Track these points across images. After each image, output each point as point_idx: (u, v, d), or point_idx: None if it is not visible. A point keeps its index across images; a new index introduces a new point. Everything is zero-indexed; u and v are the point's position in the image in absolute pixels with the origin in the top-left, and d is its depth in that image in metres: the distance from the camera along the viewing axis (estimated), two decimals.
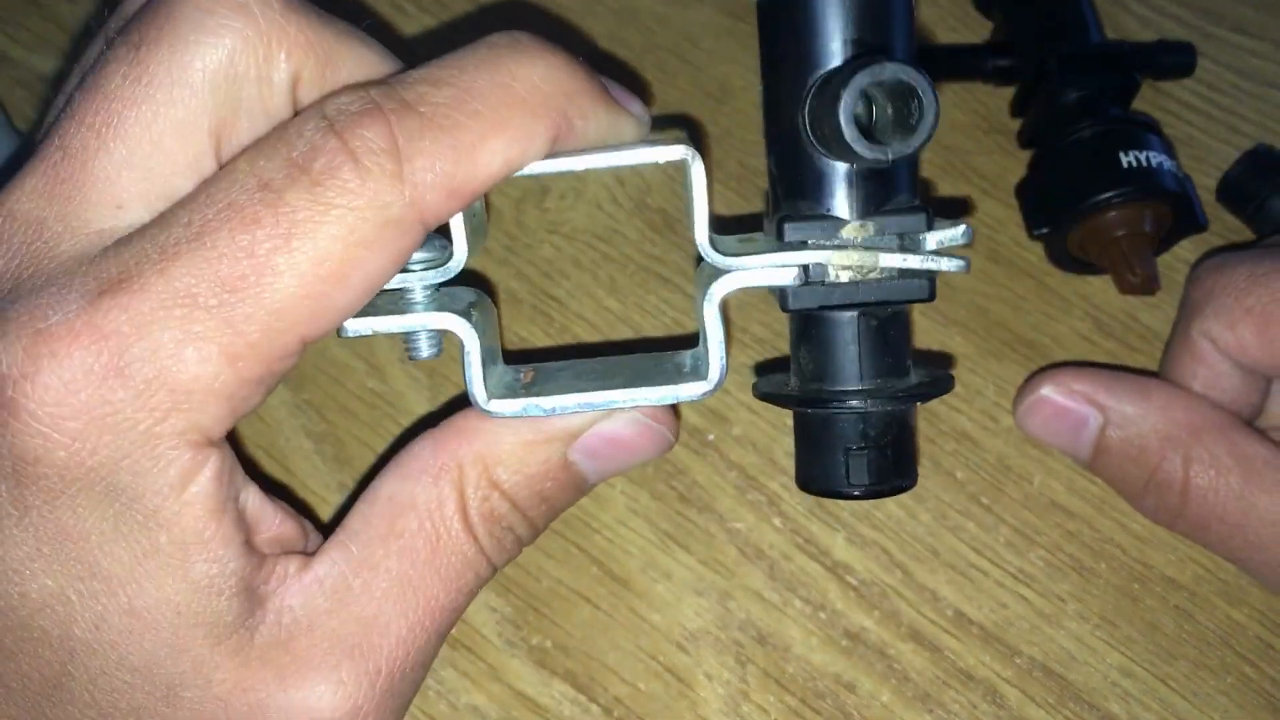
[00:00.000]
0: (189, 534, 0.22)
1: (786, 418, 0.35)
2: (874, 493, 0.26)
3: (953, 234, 0.25)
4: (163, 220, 0.21)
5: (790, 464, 0.34)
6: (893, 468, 0.26)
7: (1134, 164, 0.35)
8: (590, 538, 0.33)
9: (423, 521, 0.24)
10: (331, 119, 0.21)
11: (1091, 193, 0.35)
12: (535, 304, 0.37)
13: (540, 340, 0.36)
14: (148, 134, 0.22)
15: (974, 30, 0.43)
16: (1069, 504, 0.34)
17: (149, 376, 0.21)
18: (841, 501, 0.34)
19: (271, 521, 0.24)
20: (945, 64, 0.41)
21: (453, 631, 0.32)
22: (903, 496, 0.34)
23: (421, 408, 0.35)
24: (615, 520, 0.34)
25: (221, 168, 0.22)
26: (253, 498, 0.24)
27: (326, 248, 0.21)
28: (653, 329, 0.37)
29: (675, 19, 0.44)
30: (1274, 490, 0.28)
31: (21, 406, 0.20)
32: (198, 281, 0.20)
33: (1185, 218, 0.36)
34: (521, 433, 0.25)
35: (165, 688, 0.22)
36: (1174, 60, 0.41)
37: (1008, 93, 0.41)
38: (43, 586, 0.22)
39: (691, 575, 0.33)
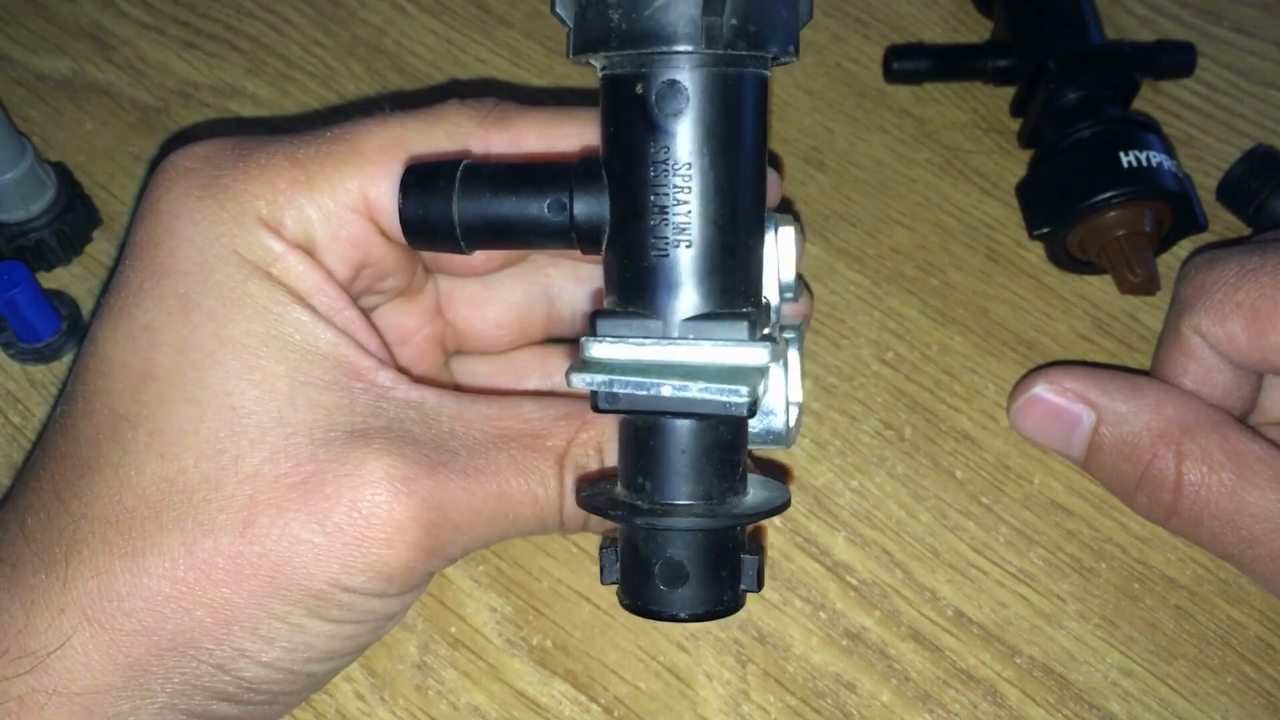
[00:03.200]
0: (284, 293, 0.25)
1: None
2: (692, 617, 0.24)
3: (756, 353, 0.22)
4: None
5: (790, 464, 0.34)
6: (707, 594, 0.23)
7: (1134, 164, 0.35)
8: (591, 537, 0.33)
9: (531, 434, 0.26)
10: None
11: (1091, 193, 0.35)
12: None
13: None
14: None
15: (974, 30, 0.43)
16: (1069, 504, 0.34)
17: (247, 169, 0.26)
18: (832, 507, 0.34)
19: (374, 343, 0.26)
20: (945, 64, 0.41)
21: (453, 631, 0.32)
22: (903, 496, 0.34)
23: None
24: None
25: None
26: (366, 325, 0.26)
27: (399, 134, 0.26)
28: None
29: None
30: (1266, 486, 0.28)
31: (167, 173, 0.26)
32: (324, 133, 0.27)
33: (1185, 218, 0.36)
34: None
35: (228, 413, 0.24)
36: (1174, 60, 0.41)
37: (1008, 93, 0.41)
38: (141, 317, 0.25)
39: None
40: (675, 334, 0.22)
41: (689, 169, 0.22)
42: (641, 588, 0.23)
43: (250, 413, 0.24)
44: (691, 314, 0.23)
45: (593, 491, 0.25)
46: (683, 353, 0.22)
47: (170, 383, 0.24)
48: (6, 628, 0.23)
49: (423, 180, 0.24)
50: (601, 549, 0.26)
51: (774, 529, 0.34)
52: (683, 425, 0.23)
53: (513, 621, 0.32)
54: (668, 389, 0.22)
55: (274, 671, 0.25)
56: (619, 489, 0.24)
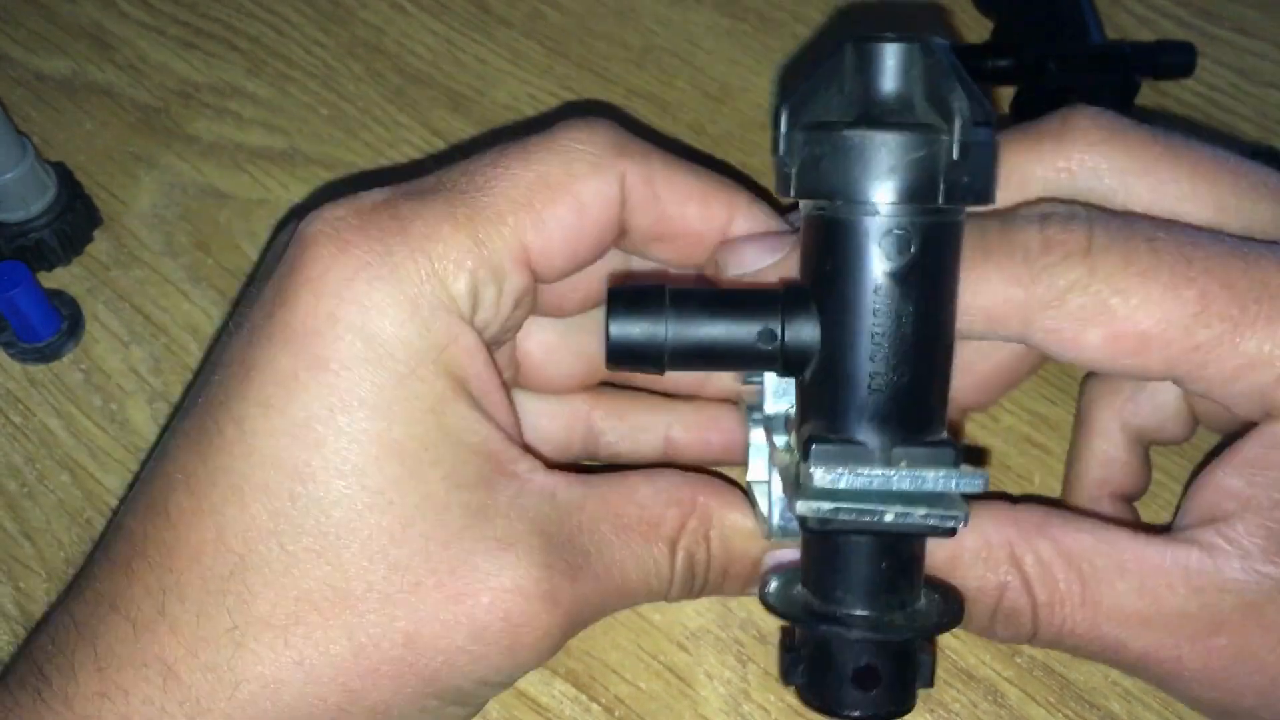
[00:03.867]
0: (448, 386, 0.24)
1: None
2: (875, 718, 0.25)
3: (972, 483, 0.24)
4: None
5: None
6: (894, 696, 0.25)
7: None
8: None
9: (646, 521, 0.27)
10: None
11: None
12: None
13: None
14: None
15: (974, 30, 0.44)
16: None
17: (416, 238, 0.24)
18: None
19: (511, 423, 0.26)
20: None
21: None
22: None
23: None
24: None
25: None
26: (507, 401, 0.26)
27: (553, 173, 0.26)
28: None
29: (676, 20, 0.44)
30: (1115, 580, 0.26)
31: (318, 243, 0.24)
32: (455, 183, 0.25)
33: None
34: (747, 511, 0.28)
35: (395, 522, 0.24)
36: (1174, 60, 0.41)
37: (1008, 93, 0.41)
38: (295, 412, 0.24)
39: None
40: (888, 462, 0.24)
41: (907, 311, 0.24)
42: (834, 691, 0.25)
43: (411, 522, 0.24)
44: (899, 442, 0.24)
45: (782, 593, 0.27)
46: (903, 482, 0.24)
47: (333, 486, 0.24)
48: None
49: (632, 304, 0.25)
50: (783, 650, 0.27)
51: None
52: (883, 543, 0.25)
53: None
54: (891, 515, 0.23)
55: None
56: (806, 595, 0.26)
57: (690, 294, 0.25)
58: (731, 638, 0.32)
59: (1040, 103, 0.38)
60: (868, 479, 0.24)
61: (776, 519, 0.27)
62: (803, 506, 0.24)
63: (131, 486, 0.28)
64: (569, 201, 0.26)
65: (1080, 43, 0.39)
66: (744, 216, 0.28)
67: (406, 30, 0.43)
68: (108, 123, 0.41)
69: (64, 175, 0.38)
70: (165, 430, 0.26)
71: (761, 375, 0.27)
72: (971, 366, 0.30)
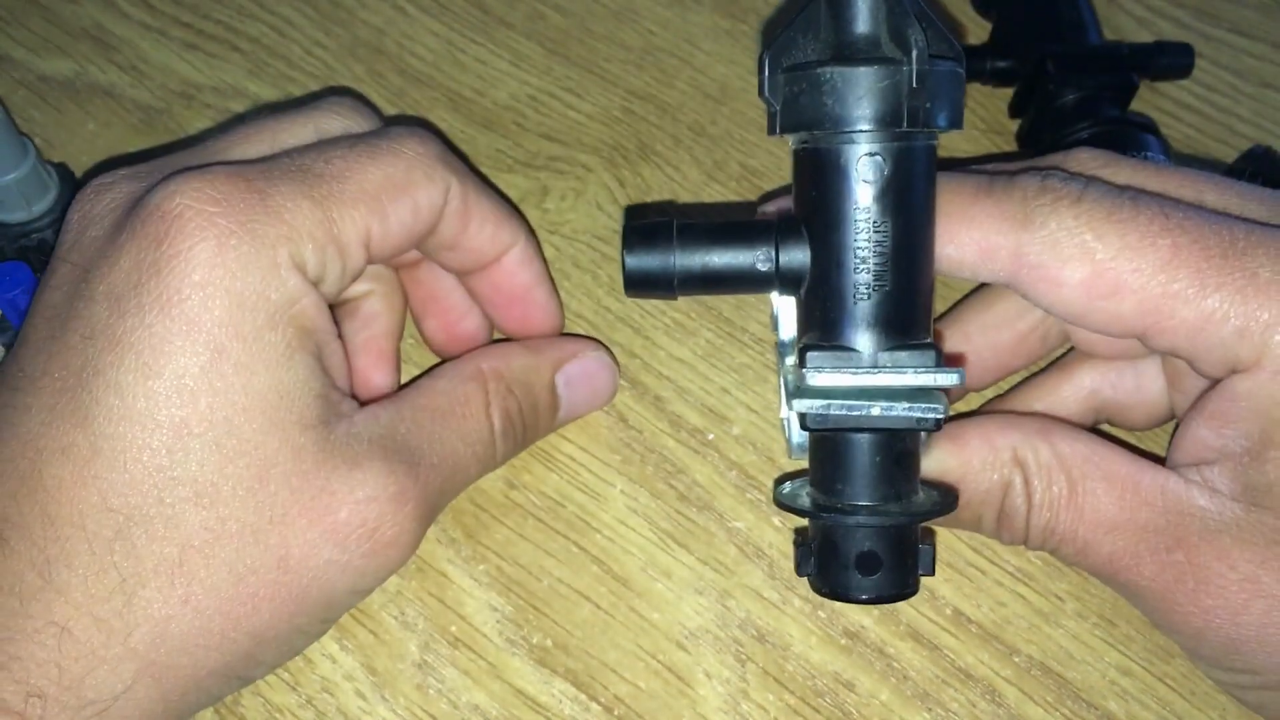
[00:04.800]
0: (296, 337, 0.27)
1: None
2: (879, 599, 0.28)
3: (949, 377, 0.26)
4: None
5: (790, 464, 0.35)
6: (896, 579, 0.28)
7: None
8: (590, 537, 0.34)
9: (455, 404, 0.30)
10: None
11: None
12: None
13: None
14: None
15: (974, 31, 0.44)
16: None
17: (272, 208, 0.27)
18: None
19: (342, 373, 0.29)
20: None
21: (454, 630, 0.32)
22: None
23: None
24: (615, 519, 0.34)
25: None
26: (341, 352, 0.29)
27: (401, 174, 0.29)
28: (653, 329, 0.37)
29: (675, 21, 0.44)
30: (1099, 491, 0.28)
31: (184, 217, 0.26)
32: (310, 166, 0.28)
33: None
34: (525, 355, 0.33)
35: (260, 464, 0.26)
36: (1172, 61, 0.41)
37: (1006, 93, 0.41)
38: (173, 370, 0.25)
39: (691, 574, 0.33)
40: (875, 364, 0.27)
41: (885, 226, 0.27)
42: (839, 576, 0.28)
43: (275, 462, 0.26)
44: (886, 346, 0.27)
45: (791, 492, 0.29)
46: (887, 379, 0.26)
47: (206, 438, 0.26)
48: (63, 680, 0.25)
49: (645, 238, 0.29)
50: (795, 545, 0.30)
51: (773, 529, 0.34)
52: (877, 439, 0.27)
53: (513, 621, 0.32)
54: (877, 409, 0.26)
55: (276, 668, 0.29)
56: (813, 492, 0.28)
57: (695, 227, 0.29)
58: (730, 637, 0.32)
59: (1038, 103, 0.38)
60: (855, 376, 0.27)
61: (795, 438, 0.30)
62: (799, 405, 0.27)
63: None
64: (408, 203, 0.29)
65: (1078, 44, 0.39)
66: (522, 248, 0.32)
67: (407, 31, 0.43)
68: (110, 124, 0.41)
69: (66, 176, 0.38)
70: None
71: (778, 314, 0.30)
72: (975, 349, 0.33)
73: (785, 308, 0.30)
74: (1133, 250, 0.27)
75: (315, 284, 0.27)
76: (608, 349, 0.35)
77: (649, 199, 0.39)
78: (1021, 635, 0.32)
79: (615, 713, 0.31)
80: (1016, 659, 0.32)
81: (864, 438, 0.27)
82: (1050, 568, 0.33)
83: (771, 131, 0.28)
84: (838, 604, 0.32)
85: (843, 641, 0.32)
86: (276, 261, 0.26)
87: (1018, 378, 0.35)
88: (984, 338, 0.33)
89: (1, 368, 0.28)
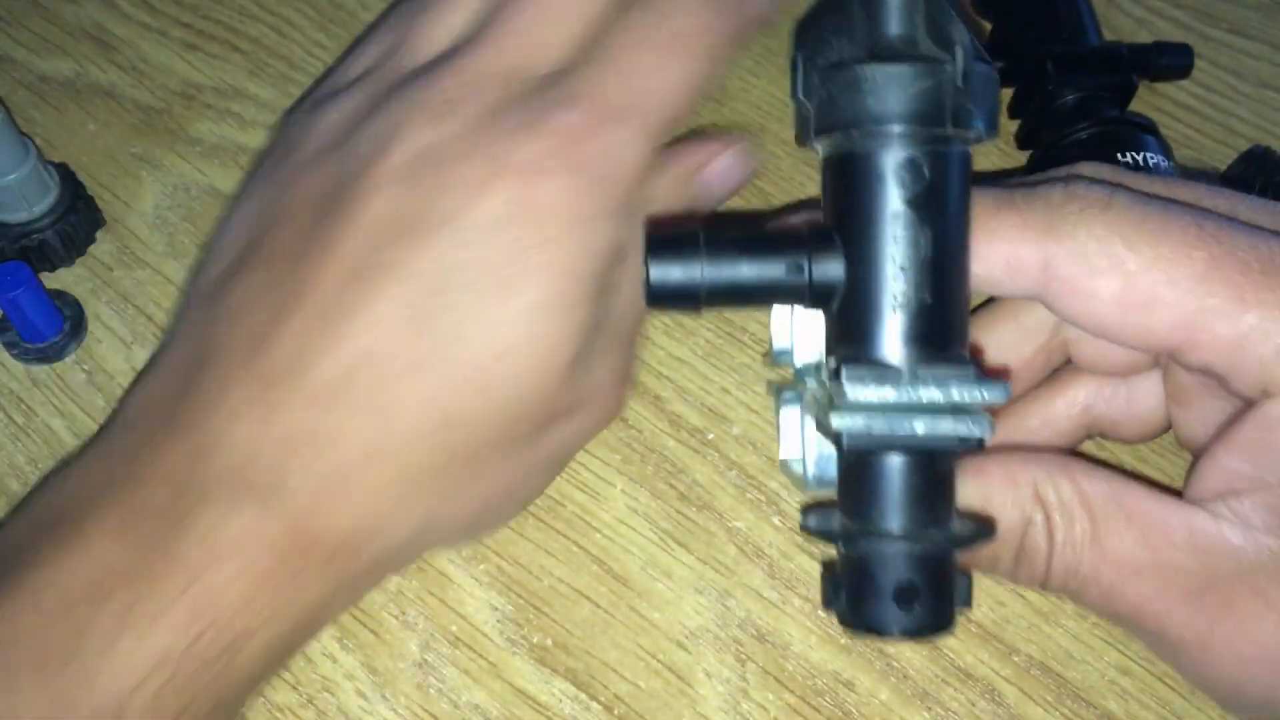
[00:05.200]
0: (617, 276, 0.29)
1: None
2: (918, 634, 0.26)
3: (996, 392, 0.25)
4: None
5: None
6: (934, 611, 0.26)
7: (1131, 164, 0.35)
8: (590, 536, 0.34)
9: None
10: None
11: None
12: None
13: None
14: None
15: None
16: None
17: (612, 171, 0.28)
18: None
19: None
20: None
21: (454, 629, 0.32)
22: None
23: None
24: (615, 519, 0.34)
25: None
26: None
27: (692, 67, 0.29)
28: (652, 328, 0.37)
29: None
30: (1122, 530, 0.27)
31: (547, 166, 0.27)
32: (623, 99, 0.28)
33: None
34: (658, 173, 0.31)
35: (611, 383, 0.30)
36: (1171, 62, 0.41)
37: (1006, 94, 0.41)
38: (534, 295, 0.27)
39: (691, 574, 0.33)
40: (915, 379, 0.25)
41: (925, 234, 0.25)
42: (874, 610, 0.26)
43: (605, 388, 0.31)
44: (925, 361, 0.25)
45: (821, 520, 0.27)
46: (930, 394, 0.25)
47: (576, 363, 0.28)
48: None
49: (670, 248, 0.27)
50: (823, 577, 0.28)
51: (773, 528, 0.34)
52: (915, 461, 0.26)
53: (513, 620, 0.32)
54: (922, 426, 0.25)
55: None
56: (843, 519, 0.27)
57: (723, 236, 0.27)
58: (731, 637, 0.32)
59: (1037, 103, 0.38)
60: (897, 392, 0.25)
61: (812, 470, 0.28)
62: (837, 421, 0.25)
63: None
64: (705, 87, 0.30)
65: (1077, 44, 0.39)
66: None
67: None
68: (110, 124, 0.41)
69: (67, 176, 0.38)
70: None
71: (791, 346, 0.29)
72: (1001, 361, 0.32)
73: (801, 332, 0.29)
74: (1166, 262, 0.26)
75: (635, 211, 0.28)
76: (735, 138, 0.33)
77: None
78: (1021, 635, 0.32)
79: (615, 712, 0.31)
80: (1016, 658, 0.32)
81: (901, 460, 0.26)
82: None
83: (805, 138, 0.27)
84: None
85: (842, 641, 0.32)
86: (609, 210, 0.28)
87: None
88: (989, 364, 0.31)
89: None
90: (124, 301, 0.37)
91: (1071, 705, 0.31)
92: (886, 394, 0.25)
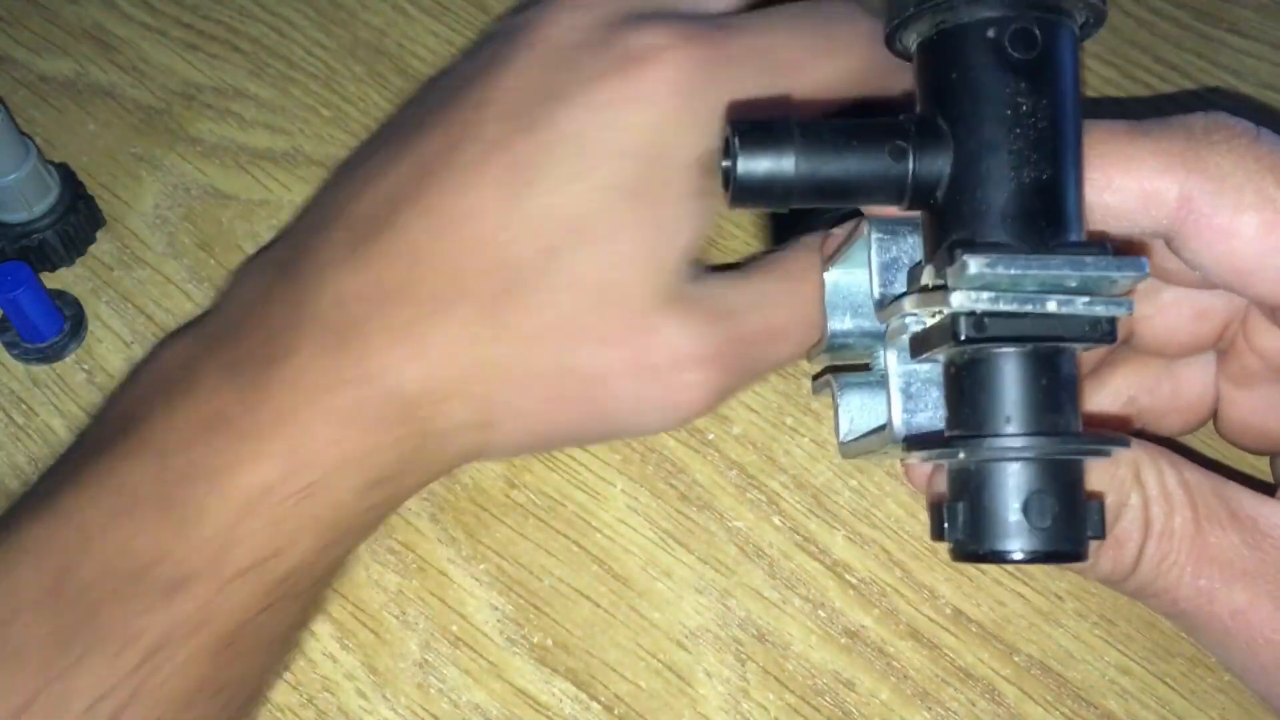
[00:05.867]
0: (700, 186, 0.29)
1: (787, 417, 0.35)
2: (1052, 556, 0.23)
3: (1135, 266, 0.22)
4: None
5: (789, 463, 0.35)
6: (1068, 533, 0.23)
7: None
8: (590, 536, 0.34)
9: (793, 269, 0.31)
10: None
11: None
12: None
13: None
14: None
15: None
16: None
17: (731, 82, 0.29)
18: (831, 505, 0.34)
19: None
20: None
21: (454, 629, 0.32)
22: (902, 495, 0.34)
23: None
24: (615, 519, 0.34)
25: None
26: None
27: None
28: None
29: None
30: (1226, 525, 0.25)
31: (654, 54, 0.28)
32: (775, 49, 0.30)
33: None
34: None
35: (616, 283, 0.29)
36: None
37: None
38: (600, 176, 0.28)
39: (691, 573, 0.33)
40: (1043, 255, 0.22)
41: (1041, 107, 0.24)
42: (1001, 530, 0.23)
43: (619, 277, 0.29)
44: (1047, 245, 0.23)
45: (934, 440, 0.25)
46: (1062, 269, 0.22)
47: (581, 236, 0.29)
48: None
49: (761, 138, 0.24)
50: (933, 510, 0.25)
51: (773, 528, 0.34)
52: (1039, 358, 0.23)
53: (513, 620, 0.32)
54: (1054, 303, 0.22)
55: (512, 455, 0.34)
56: (956, 436, 0.24)
57: (819, 126, 0.25)
58: (731, 636, 0.32)
59: None
60: (1025, 264, 0.22)
61: (899, 420, 0.26)
62: (959, 299, 0.22)
63: None
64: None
65: None
66: None
67: (408, 32, 0.43)
68: (110, 124, 0.41)
69: (67, 176, 0.38)
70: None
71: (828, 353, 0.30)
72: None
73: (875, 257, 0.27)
74: None
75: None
76: None
77: None
78: (1021, 634, 0.32)
79: (615, 712, 0.31)
80: (1016, 658, 0.32)
81: (1025, 354, 0.23)
82: (1050, 567, 0.33)
83: (895, 28, 0.25)
84: (838, 603, 0.33)
85: (843, 640, 0.32)
86: (714, 119, 0.28)
87: None
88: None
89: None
90: (124, 301, 0.37)
91: (1071, 705, 0.31)
92: (1014, 265, 0.22)
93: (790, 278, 0.31)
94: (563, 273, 0.28)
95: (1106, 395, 0.31)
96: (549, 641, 0.32)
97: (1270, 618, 0.24)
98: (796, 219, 0.33)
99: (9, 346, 0.36)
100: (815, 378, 0.32)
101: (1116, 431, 0.25)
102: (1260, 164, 0.24)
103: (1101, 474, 0.25)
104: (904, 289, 0.27)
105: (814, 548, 0.33)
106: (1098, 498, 0.24)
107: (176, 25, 0.44)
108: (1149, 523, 0.25)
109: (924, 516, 0.34)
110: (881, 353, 0.28)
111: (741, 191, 0.25)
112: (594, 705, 0.31)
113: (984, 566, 0.33)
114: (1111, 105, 0.42)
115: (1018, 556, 0.23)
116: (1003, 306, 0.22)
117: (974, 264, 0.22)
